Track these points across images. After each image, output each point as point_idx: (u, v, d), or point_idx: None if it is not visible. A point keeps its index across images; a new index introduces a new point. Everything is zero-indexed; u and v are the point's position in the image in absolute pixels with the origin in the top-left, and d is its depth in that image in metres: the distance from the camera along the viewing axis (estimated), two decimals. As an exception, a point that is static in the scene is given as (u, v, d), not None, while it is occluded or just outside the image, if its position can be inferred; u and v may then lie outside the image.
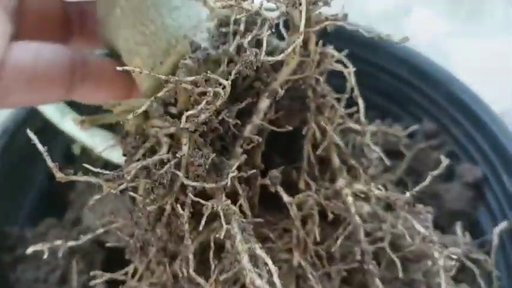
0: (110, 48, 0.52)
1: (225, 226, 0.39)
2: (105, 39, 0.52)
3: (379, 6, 1.07)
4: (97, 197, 0.42)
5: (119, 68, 0.39)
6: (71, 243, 0.44)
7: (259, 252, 0.39)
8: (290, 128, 0.45)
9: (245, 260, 0.39)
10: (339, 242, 0.46)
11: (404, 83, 0.73)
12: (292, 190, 0.48)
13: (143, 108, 0.40)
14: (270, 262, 0.38)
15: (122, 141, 0.45)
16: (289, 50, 0.38)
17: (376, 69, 0.73)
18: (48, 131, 0.68)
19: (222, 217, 0.39)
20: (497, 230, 0.59)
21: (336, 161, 0.49)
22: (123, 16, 0.48)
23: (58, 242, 0.43)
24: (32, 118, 0.69)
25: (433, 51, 0.80)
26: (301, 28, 0.38)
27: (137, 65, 0.48)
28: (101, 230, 0.45)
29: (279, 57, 0.39)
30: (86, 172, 0.40)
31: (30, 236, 0.66)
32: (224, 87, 0.39)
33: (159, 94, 0.40)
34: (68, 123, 0.65)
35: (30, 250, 0.43)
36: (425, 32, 1.02)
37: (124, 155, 0.45)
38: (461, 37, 1.01)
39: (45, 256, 0.42)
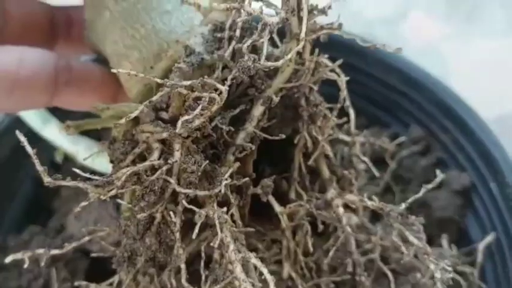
0: (97, 53, 0.51)
1: (220, 234, 0.38)
2: (93, 43, 0.50)
3: (376, 10, 1.05)
4: (84, 204, 0.40)
5: (113, 70, 0.37)
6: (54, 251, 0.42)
7: (255, 261, 0.38)
8: (283, 136, 0.45)
9: (238, 269, 0.38)
10: (331, 253, 0.45)
11: (392, 90, 0.72)
12: (281, 201, 0.47)
13: (137, 112, 0.39)
14: (265, 271, 0.37)
15: (109, 147, 0.43)
16: (290, 55, 0.38)
17: (364, 76, 0.72)
18: (33, 140, 0.65)
19: (217, 224, 0.38)
20: (482, 246, 0.59)
21: (325, 171, 0.49)
22: (112, 19, 0.47)
23: (40, 251, 0.41)
24: (16, 127, 0.66)
25: (431, 55, 0.79)
26: (302, 34, 0.38)
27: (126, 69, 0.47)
28: (86, 239, 0.43)
29: (279, 63, 0.38)
30: (73, 179, 0.39)
31: (12, 244, 0.64)
32: (220, 93, 0.38)
33: (154, 98, 0.39)
34: (49, 130, 0.63)
35: (9, 259, 0.40)
36: (423, 35, 1.01)
37: (111, 161, 0.43)
38: (459, 41, 1.00)
39: (26, 265, 0.40)
